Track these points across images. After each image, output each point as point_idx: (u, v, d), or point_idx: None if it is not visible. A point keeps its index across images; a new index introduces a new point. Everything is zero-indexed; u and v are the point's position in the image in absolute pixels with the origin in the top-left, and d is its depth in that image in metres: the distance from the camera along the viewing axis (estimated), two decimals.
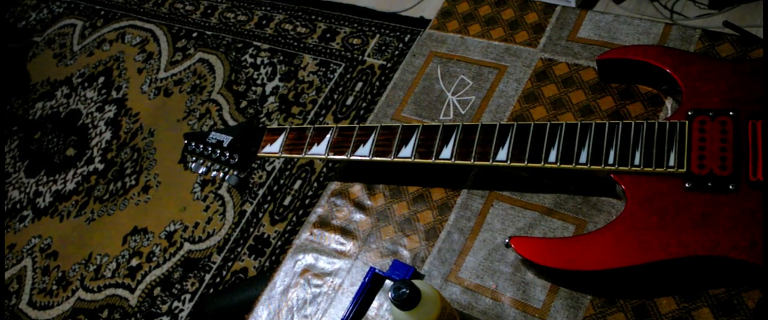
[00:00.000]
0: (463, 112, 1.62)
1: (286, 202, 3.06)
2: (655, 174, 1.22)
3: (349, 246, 1.53)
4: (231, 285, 2.93)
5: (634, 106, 1.46)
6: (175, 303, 3.01)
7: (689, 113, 1.26)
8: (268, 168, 3.20)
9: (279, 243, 2.95)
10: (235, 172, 1.64)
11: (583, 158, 1.28)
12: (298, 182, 3.09)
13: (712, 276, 1.21)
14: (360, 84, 3.27)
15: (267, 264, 2.92)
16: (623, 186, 1.25)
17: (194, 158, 1.75)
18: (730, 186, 1.16)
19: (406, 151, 1.43)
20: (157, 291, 3.09)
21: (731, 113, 1.22)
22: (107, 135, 3.86)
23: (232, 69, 3.70)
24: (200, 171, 1.71)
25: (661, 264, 1.16)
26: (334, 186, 1.65)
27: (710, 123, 1.23)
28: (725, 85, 1.28)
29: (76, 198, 3.69)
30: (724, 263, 1.13)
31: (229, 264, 2.99)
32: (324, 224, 1.59)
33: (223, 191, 3.23)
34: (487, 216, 1.45)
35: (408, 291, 1.11)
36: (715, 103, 1.26)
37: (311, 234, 1.59)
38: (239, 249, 3.01)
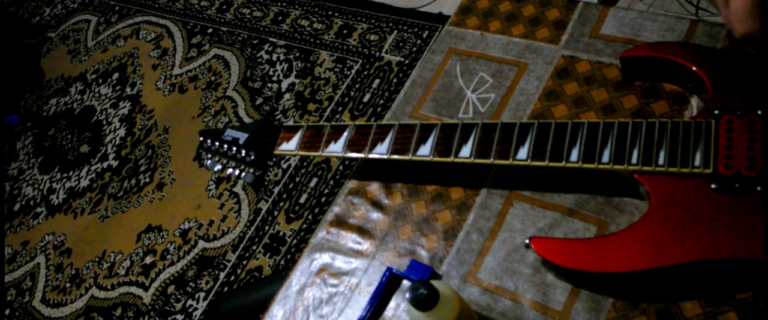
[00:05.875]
0: (482, 110, 1.60)
1: (302, 200, 3.05)
2: (680, 174, 1.20)
3: (366, 245, 1.51)
4: (246, 283, 2.92)
5: (659, 105, 1.43)
6: (189, 302, 3.00)
7: (716, 112, 1.23)
8: (284, 166, 3.19)
9: (294, 241, 2.94)
10: (251, 170, 1.63)
11: (605, 157, 1.26)
12: (314, 180, 3.08)
13: (739, 280, 1.19)
14: (377, 81, 3.26)
15: (282, 262, 2.91)
16: (647, 187, 1.23)
17: (209, 155, 1.74)
18: (758, 188, 1.14)
19: (425, 150, 1.42)
20: (171, 289, 3.08)
21: (760, 112, 1.20)
22: (121, 132, 3.86)
23: (247, 65, 3.70)
24: (216, 169, 1.71)
25: (685, 266, 1.13)
26: (351, 184, 1.63)
27: (738, 122, 1.20)
28: (754, 84, 1.25)
29: (90, 196, 3.69)
30: (752, 266, 1.11)
31: (244, 262, 2.98)
32: (341, 223, 1.58)
33: (238, 189, 3.22)
34: (506, 216, 1.43)
35: (426, 292, 1.09)
36: (742, 102, 1.23)
37: (328, 233, 1.57)
38: (254, 248, 3.00)
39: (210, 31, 4.03)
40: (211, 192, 3.29)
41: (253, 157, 1.62)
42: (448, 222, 1.47)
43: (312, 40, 3.62)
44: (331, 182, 3.05)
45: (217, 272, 3.02)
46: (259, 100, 3.50)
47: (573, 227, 1.37)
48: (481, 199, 1.47)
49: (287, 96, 3.43)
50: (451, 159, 1.38)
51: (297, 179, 3.12)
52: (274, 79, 3.55)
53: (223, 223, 3.16)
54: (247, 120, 3.46)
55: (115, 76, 4.18)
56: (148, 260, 3.23)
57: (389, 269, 1.43)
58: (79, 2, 4.87)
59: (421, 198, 1.53)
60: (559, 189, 1.42)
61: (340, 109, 3.25)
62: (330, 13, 3.71)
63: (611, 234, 1.22)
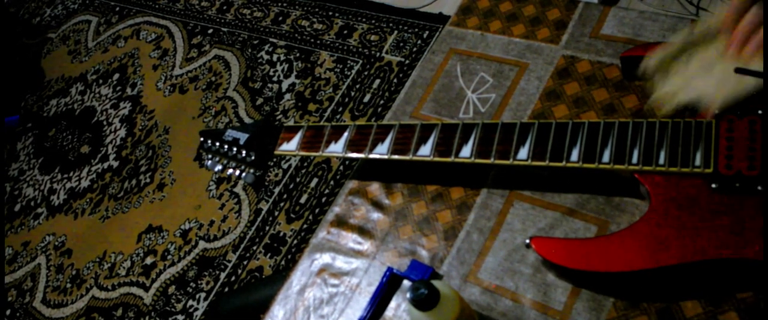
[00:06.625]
0: (483, 110, 1.60)
1: (303, 200, 3.05)
2: (680, 174, 1.20)
3: (366, 245, 1.51)
4: (246, 284, 2.92)
5: None
6: (190, 302, 3.00)
7: (716, 112, 1.23)
8: (284, 166, 3.19)
9: (295, 241, 2.94)
10: (252, 170, 1.63)
11: (606, 157, 1.26)
12: (315, 180, 3.08)
13: (740, 280, 1.19)
14: (378, 81, 3.26)
15: (283, 263, 2.91)
16: (647, 187, 1.23)
17: (210, 156, 1.74)
18: (759, 187, 1.14)
19: (425, 150, 1.41)
20: (171, 289, 3.08)
21: (760, 112, 1.20)
22: (122, 132, 3.86)
23: (247, 66, 3.70)
24: (216, 169, 1.71)
25: (686, 266, 1.13)
26: (351, 184, 1.63)
27: (738, 122, 1.20)
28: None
29: (90, 196, 3.69)
30: (752, 266, 1.11)
31: (245, 262, 2.98)
32: (341, 223, 1.57)
33: (238, 189, 3.22)
34: (507, 216, 1.43)
35: (426, 292, 1.09)
36: (743, 102, 1.23)
37: (328, 233, 1.57)
38: (255, 248, 3.00)
39: (210, 31, 4.03)
40: (211, 192, 3.29)
41: (253, 158, 1.62)
42: (449, 222, 1.47)
43: (312, 40, 3.62)
44: (332, 182, 3.05)
45: (217, 272, 3.02)
46: (260, 101, 3.50)
47: (573, 227, 1.37)
48: (482, 199, 1.47)
49: (287, 96, 3.43)
50: (451, 159, 1.38)
51: (297, 179, 3.13)
52: (275, 79, 3.55)
53: (223, 224, 3.16)
54: (247, 120, 3.46)
55: (116, 76, 4.18)
56: (149, 260, 3.23)
57: (390, 269, 1.43)
58: (80, 3, 4.87)
59: (421, 198, 1.53)
60: (559, 189, 1.42)
61: (340, 109, 3.25)
62: (330, 13, 3.71)
63: (612, 234, 1.22)
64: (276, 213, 3.07)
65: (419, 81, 1.73)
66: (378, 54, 3.37)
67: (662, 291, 1.23)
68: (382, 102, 3.18)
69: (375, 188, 1.59)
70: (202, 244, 3.14)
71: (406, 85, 1.74)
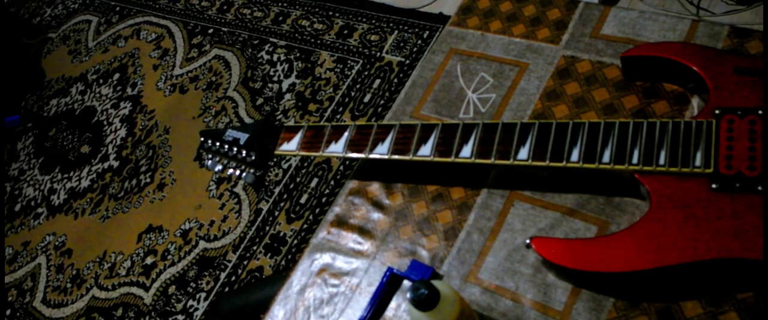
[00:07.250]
0: (483, 110, 1.60)
1: (303, 200, 3.04)
2: (680, 174, 1.20)
3: (366, 245, 1.51)
4: (247, 284, 2.92)
5: (659, 105, 1.43)
6: (190, 302, 3.00)
7: (716, 112, 1.23)
8: (285, 166, 3.19)
9: (295, 241, 2.94)
10: (252, 170, 1.63)
11: (606, 157, 1.26)
12: (315, 180, 3.08)
13: (740, 280, 1.19)
14: (378, 81, 3.26)
15: (283, 263, 2.90)
16: (647, 187, 1.23)
17: (210, 156, 1.74)
18: (759, 187, 1.14)
19: (426, 150, 1.41)
20: (171, 289, 3.08)
21: (760, 112, 1.20)
22: (122, 132, 3.86)
23: (248, 66, 3.69)
24: (216, 169, 1.70)
25: (686, 266, 1.13)
26: (351, 184, 1.63)
27: (739, 122, 1.20)
28: (754, 83, 1.25)
29: (90, 196, 3.68)
30: (752, 266, 1.11)
31: (245, 262, 2.98)
32: (341, 223, 1.57)
33: (238, 189, 3.22)
34: (507, 216, 1.43)
35: (426, 292, 1.09)
36: (743, 102, 1.23)
37: (328, 233, 1.57)
38: (255, 248, 3.00)
39: (211, 31, 4.03)
40: (211, 192, 3.29)
41: (253, 158, 1.62)
42: (449, 222, 1.47)
43: (313, 40, 3.62)
44: (332, 182, 3.05)
45: (217, 272, 3.02)
46: (260, 101, 3.50)
47: (574, 227, 1.37)
48: (482, 199, 1.47)
49: (288, 96, 3.43)
50: (451, 159, 1.38)
51: (298, 179, 3.12)
52: (275, 79, 3.54)
53: (223, 223, 3.15)
54: (247, 120, 3.46)
55: (116, 76, 4.18)
56: (149, 260, 3.23)
57: (390, 269, 1.43)
58: (80, 3, 4.87)
59: (421, 199, 1.53)
60: (559, 189, 1.42)
61: (340, 109, 3.25)
62: (330, 13, 3.71)
63: (612, 234, 1.22)
64: (276, 213, 3.07)
65: (419, 81, 1.73)
66: (378, 54, 3.37)
67: (662, 291, 1.23)
68: (382, 102, 3.18)
69: (375, 188, 1.59)
70: (202, 244, 3.14)
71: (407, 85, 1.74)
